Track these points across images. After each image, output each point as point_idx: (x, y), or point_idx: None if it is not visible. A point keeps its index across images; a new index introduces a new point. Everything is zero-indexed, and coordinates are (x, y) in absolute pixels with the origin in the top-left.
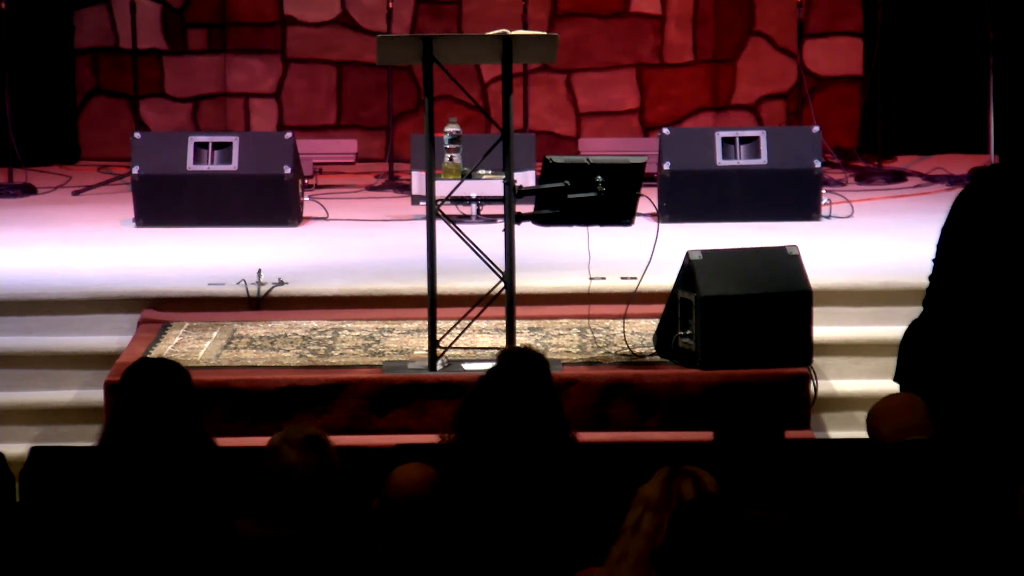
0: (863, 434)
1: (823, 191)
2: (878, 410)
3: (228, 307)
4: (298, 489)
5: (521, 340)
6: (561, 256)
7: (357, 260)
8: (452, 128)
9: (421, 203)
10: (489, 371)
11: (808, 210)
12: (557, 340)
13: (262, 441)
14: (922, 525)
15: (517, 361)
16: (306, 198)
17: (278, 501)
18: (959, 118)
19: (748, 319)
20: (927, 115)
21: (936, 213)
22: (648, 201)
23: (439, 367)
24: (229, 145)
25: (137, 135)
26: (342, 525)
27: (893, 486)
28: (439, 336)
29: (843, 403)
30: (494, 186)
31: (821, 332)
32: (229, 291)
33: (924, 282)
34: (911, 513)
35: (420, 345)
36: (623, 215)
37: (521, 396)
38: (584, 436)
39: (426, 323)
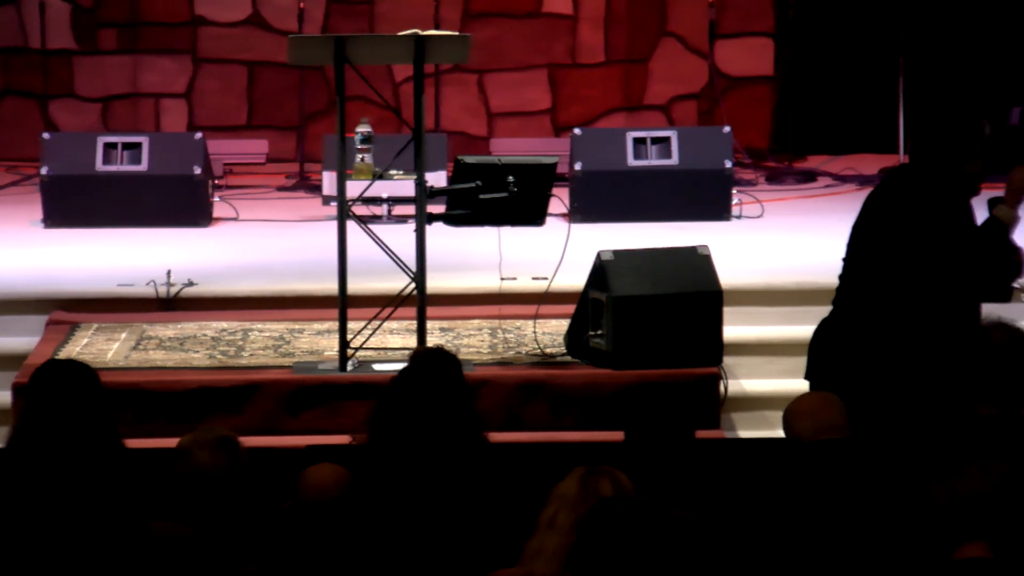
0: (774, 434)
1: (734, 191)
2: (795, 408)
3: (138, 308)
4: (210, 490)
5: (432, 341)
6: (472, 256)
7: (267, 261)
8: (364, 128)
9: (332, 203)
10: (402, 371)
11: (719, 210)
12: (468, 340)
13: (174, 443)
14: (837, 524)
15: (430, 361)
16: (216, 198)
17: (191, 502)
18: (869, 119)
19: (659, 319)
20: (838, 115)
21: (847, 213)
22: (560, 201)
23: (350, 368)
24: (139, 145)
25: (46, 135)
26: (254, 525)
27: (807, 485)
28: (350, 337)
29: (753, 403)
30: (406, 186)
31: (731, 332)
32: (139, 292)
33: (835, 282)
34: (825, 512)
35: (331, 346)
36: (535, 215)
37: (434, 396)
38: (497, 436)
39: (337, 324)
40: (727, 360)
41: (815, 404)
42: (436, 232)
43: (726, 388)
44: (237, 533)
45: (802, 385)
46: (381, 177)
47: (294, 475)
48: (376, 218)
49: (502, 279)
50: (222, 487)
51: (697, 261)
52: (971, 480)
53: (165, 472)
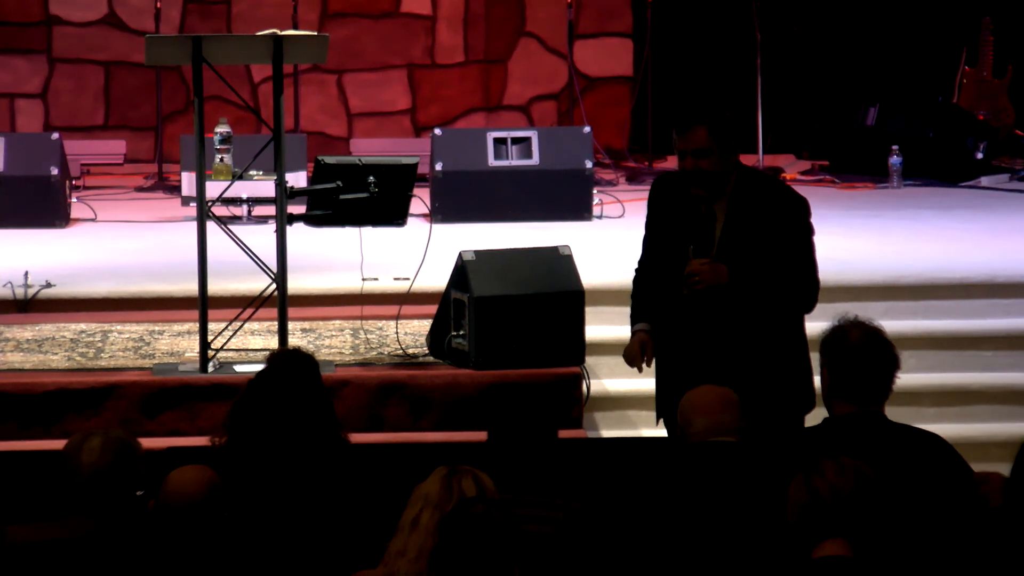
0: (636, 433)
1: (595, 191)
2: (693, 403)
3: None
4: (96, 489)
5: (294, 342)
6: (334, 257)
7: (126, 262)
8: (222, 129)
9: (191, 204)
10: (258, 373)
11: (580, 210)
12: (330, 341)
13: (31, 445)
14: (699, 524)
15: (286, 362)
16: (74, 199)
17: (75, 501)
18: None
19: (521, 319)
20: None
21: None
22: (421, 202)
23: (211, 369)
24: None
25: None
26: (114, 527)
27: (674, 486)
28: (211, 338)
29: (615, 402)
30: (265, 187)
31: (593, 332)
32: None
33: None
34: (689, 512)
35: (191, 347)
36: (396, 216)
37: (290, 397)
38: (358, 437)
39: (197, 325)
40: (589, 360)
41: (713, 402)
42: (297, 233)
43: (588, 388)
44: (98, 535)
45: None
46: (240, 178)
47: (153, 477)
48: (236, 219)
49: (364, 280)
50: (110, 486)
51: (559, 261)
52: (828, 478)
53: (25, 475)
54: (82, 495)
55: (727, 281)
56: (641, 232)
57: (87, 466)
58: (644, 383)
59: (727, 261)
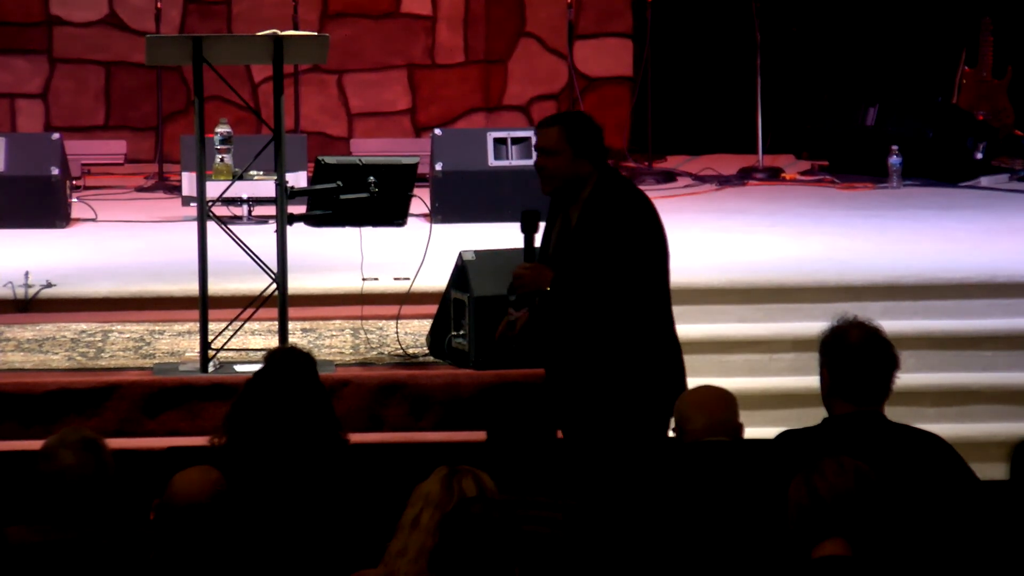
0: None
1: None
2: (692, 402)
3: None
4: (73, 492)
5: (294, 341)
6: (334, 257)
7: (127, 262)
8: (223, 129)
9: (192, 204)
10: (256, 373)
11: None
12: (330, 341)
13: (32, 445)
14: (699, 523)
15: (283, 361)
16: (75, 199)
17: (53, 504)
18: (728, 119)
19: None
20: (696, 116)
21: (707, 213)
22: (421, 202)
23: (211, 369)
24: None
25: None
26: (116, 529)
27: (673, 485)
28: (211, 338)
29: None
30: (266, 187)
31: None
32: None
33: (694, 281)
34: (688, 511)
35: (192, 347)
36: (396, 216)
37: (288, 396)
38: (358, 437)
39: (198, 325)
40: None
41: (712, 401)
42: (297, 233)
43: None
44: (99, 536)
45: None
46: (241, 178)
47: (154, 477)
48: (236, 219)
49: (364, 280)
50: (86, 489)
51: None
52: (828, 478)
53: (25, 475)
54: (64, 497)
55: (547, 286)
56: None
57: (69, 468)
58: None
59: (557, 267)
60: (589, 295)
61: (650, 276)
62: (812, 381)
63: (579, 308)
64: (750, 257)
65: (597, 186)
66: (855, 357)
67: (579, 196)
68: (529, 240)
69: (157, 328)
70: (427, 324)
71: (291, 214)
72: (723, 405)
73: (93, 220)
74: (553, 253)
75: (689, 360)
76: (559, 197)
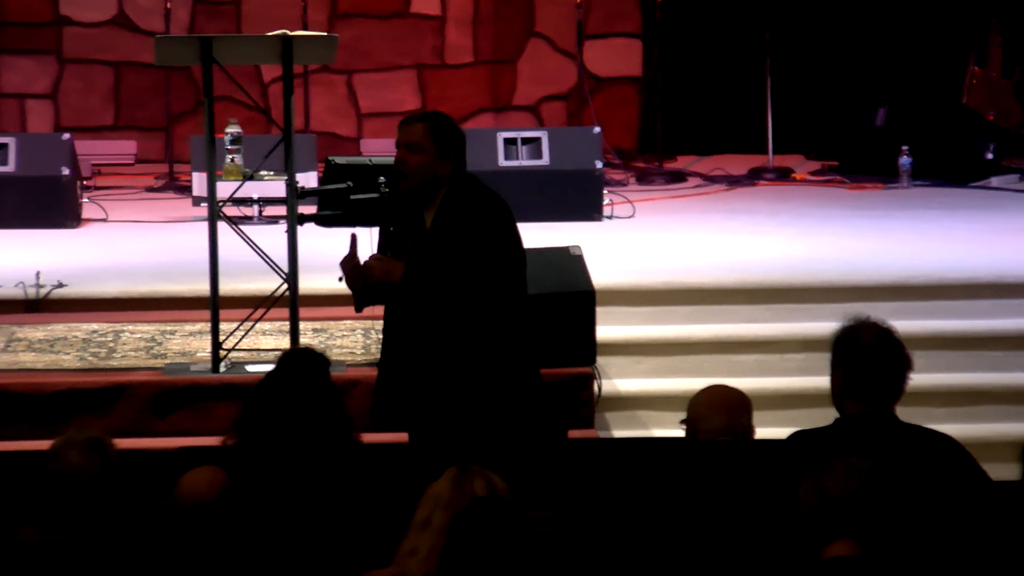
0: (647, 433)
1: (605, 191)
2: (705, 402)
3: (6, 310)
4: (81, 492)
5: (305, 341)
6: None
7: (138, 262)
8: (233, 129)
9: (202, 204)
10: (268, 373)
11: (590, 210)
12: (341, 341)
13: (42, 445)
14: (709, 524)
15: (296, 362)
16: (85, 200)
17: (60, 505)
18: (737, 119)
19: (532, 319)
20: (706, 116)
21: (716, 213)
22: None
23: (222, 369)
24: (5, 146)
25: None
26: (124, 529)
27: (684, 486)
28: (222, 338)
29: (625, 402)
30: (276, 187)
31: (604, 332)
32: (7, 293)
33: (703, 281)
34: (699, 512)
35: (203, 347)
36: None
37: (301, 397)
38: (369, 437)
39: (209, 325)
40: (600, 360)
41: (727, 401)
42: (307, 233)
43: (599, 388)
44: (108, 536)
45: (670, 385)
46: (251, 178)
47: (164, 478)
48: (247, 219)
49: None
50: (93, 489)
51: (569, 261)
52: (837, 478)
53: (31, 476)
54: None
55: (397, 280)
56: (647, 233)
57: (76, 469)
58: (656, 383)
59: (411, 266)
60: (439, 297)
61: (502, 281)
62: (821, 381)
63: (428, 309)
64: (759, 257)
65: (454, 189)
66: (868, 357)
67: (435, 198)
68: (384, 231)
69: (168, 328)
70: None
71: (301, 214)
72: (737, 406)
73: (104, 220)
74: (407, 254)
75: (699, 360)
76: (415, 197)
